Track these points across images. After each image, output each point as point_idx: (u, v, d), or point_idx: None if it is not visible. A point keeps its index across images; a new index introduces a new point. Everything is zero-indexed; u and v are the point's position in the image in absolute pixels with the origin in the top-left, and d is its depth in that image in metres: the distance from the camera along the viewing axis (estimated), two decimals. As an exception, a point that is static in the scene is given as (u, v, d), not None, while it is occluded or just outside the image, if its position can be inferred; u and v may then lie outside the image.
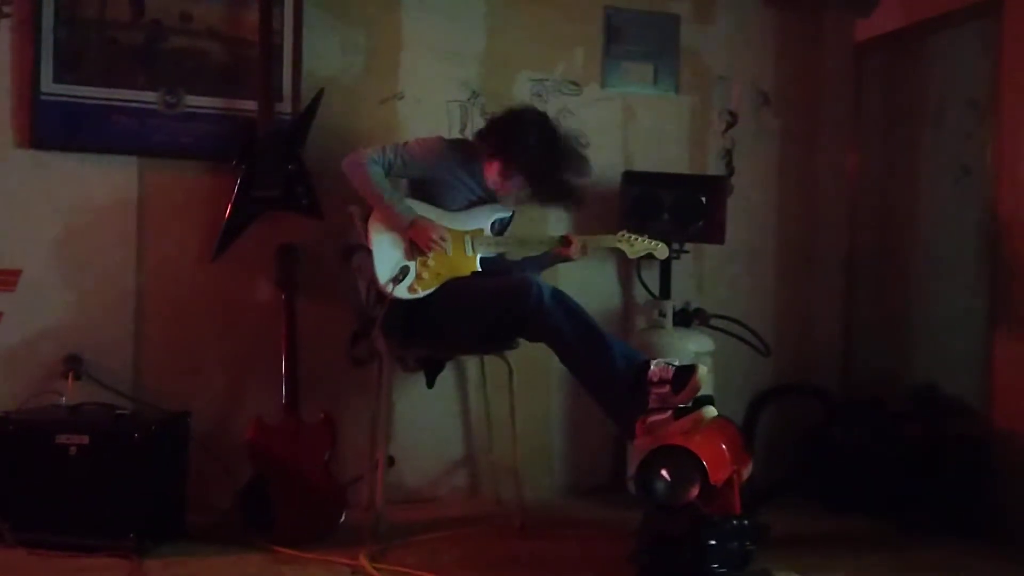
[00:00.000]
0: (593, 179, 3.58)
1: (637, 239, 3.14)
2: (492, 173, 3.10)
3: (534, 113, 3.15)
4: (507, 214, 3.22)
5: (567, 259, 3.16)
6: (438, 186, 3.08)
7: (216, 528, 2.98)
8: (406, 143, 3.10)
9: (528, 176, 3.06)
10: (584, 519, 3.34)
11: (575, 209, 3.31)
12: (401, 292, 2.94)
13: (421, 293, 2.97)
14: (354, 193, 3.04)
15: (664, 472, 2.55)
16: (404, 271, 2.95)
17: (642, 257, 3.22)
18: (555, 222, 3.60)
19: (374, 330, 3.01)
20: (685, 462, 2.54)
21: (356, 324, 3.25)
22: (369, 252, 2.97)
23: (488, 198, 3.18)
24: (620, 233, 3.16)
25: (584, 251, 3.12)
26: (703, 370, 2.68)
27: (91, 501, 2.75)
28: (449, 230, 3.03)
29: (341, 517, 2.99)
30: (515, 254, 3.22)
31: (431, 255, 2.99)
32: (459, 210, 3.11)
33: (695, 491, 2.54)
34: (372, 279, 2.97)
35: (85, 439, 2.77)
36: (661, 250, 3.18)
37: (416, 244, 2.96)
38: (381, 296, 2.95)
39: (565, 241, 3.11)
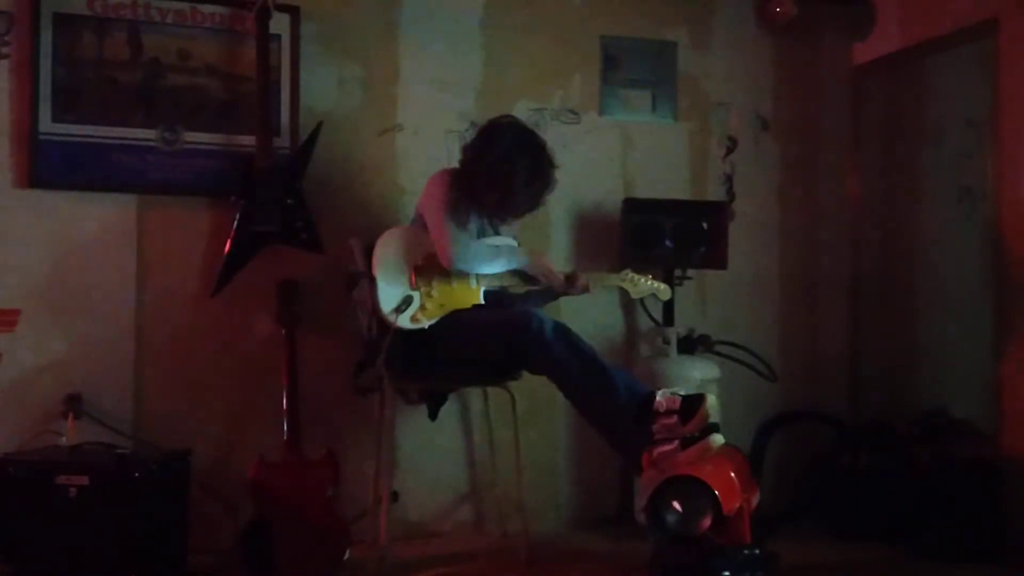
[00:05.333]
0: (594, 207, 3.59)
1: (640, 279, 3.15)
2: (480, 193, 3.06)
3: (504, 121, 3.08)
4: (512, 245, 3.19)
5: (567, 294, 3.13)
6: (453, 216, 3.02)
7: (218, 568, 2.95)
8: (440, 201, 2.95)
9: (504, 182, 2.97)
10: (592, 552, 3.29)
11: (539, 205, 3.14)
12: (404, 322, 2.91)
13: (424, 323, 2.95)
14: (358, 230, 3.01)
15: (675, 503, 2.52)
16: (407, 301, 2.93)
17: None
18: (556, 254, 3.58)
19: (379, 358, 2.97)
20: (696, 493, 2.51)
21: (362, 353, 3.22)
22: (372, 282, 2.95)
23: (492, 229, 3.15)
24: (624, 272, 3.15)
25: (586, 289, 3.08)
26: (712, 399, 2.65)
27: (92, 542, 2.72)
28: None
29: (345, 555, 2.95)
30: (518, 287, 3.19)
31: (435, 286, 2.97)
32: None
33: (707, 522, 2.50)
34: (375, 308, 2.95)
35: (85, 480, 2.73)
36: (664, 291, 3.19)
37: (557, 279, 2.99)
38: (383, 327, 2.93)
39: (570, 279, 3.07)
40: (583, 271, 3.18)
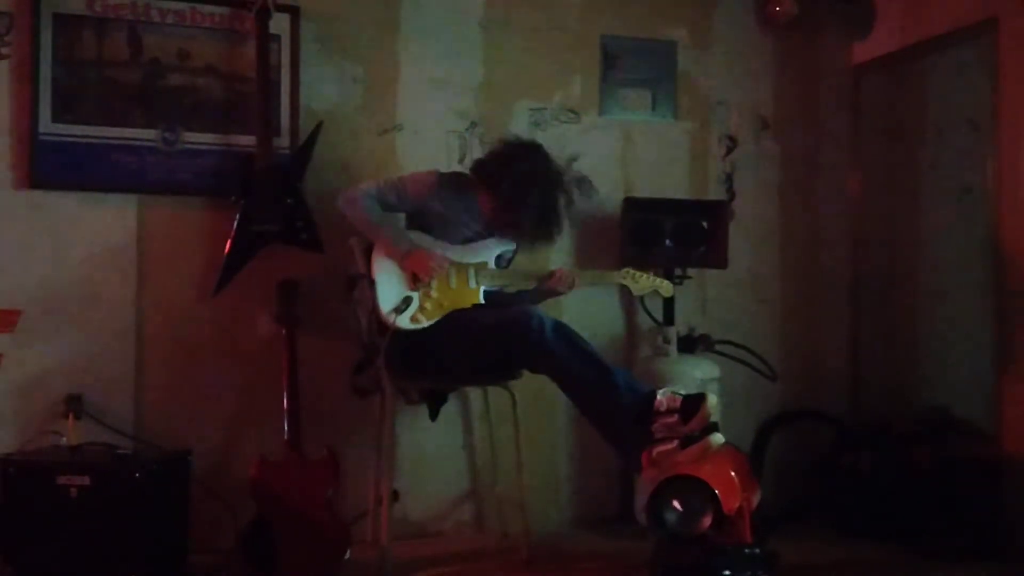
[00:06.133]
0: (594, 207, 3.59)
1: (641, 276, 3.14)
2: (485, 206, 3.09)
3: (524, 146, 3.11)
4: (511, 247, 3.20)
5: (556, 293, 3.12)
6: (435, 220, 3.07)
7: (219, 569, 2.95)
8: (401, 177, 3.10)
9: (513, 210, 3.01)
10: (592, 551, 3.29)
11: (551, 243, 3.17)
12: (403, 322, 2.92)
13: (424, 323, 2.95)
14: (353, 228, 3.03)
15: (676, 503, 2.52)
16: (407, 301, 2.94)
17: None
18: (557, 254, 3.58)
19: (378, 359, 2.97)
20: (697, 492, 2.51)
21: (361, 354, 3.22)
22: (371, 283, 2.96)
23: (487, 232, 3.15)
24: (624, 270, 3.15)
25: (572, 284, 3.06)
26: (712, 399, 2.65)
27: (93, 542, 2.72)
28: (453, 262, 3.01)
29: (346, 555, 2.95)
30: (515, 287, 3.19)
31: (434, 287, 2.97)
32: (463, 243, 3.09)
33: (708, 521, 2.51)
34: (374, 309, 2.95)
35: (86, 480, 2.74)
36: (666, 288, 3.18)
37: (416, 274, 2.94)
38: (383, 327, 2.93)
39: (552, 274, 3.06)
40: (583, 271, 3.18)
